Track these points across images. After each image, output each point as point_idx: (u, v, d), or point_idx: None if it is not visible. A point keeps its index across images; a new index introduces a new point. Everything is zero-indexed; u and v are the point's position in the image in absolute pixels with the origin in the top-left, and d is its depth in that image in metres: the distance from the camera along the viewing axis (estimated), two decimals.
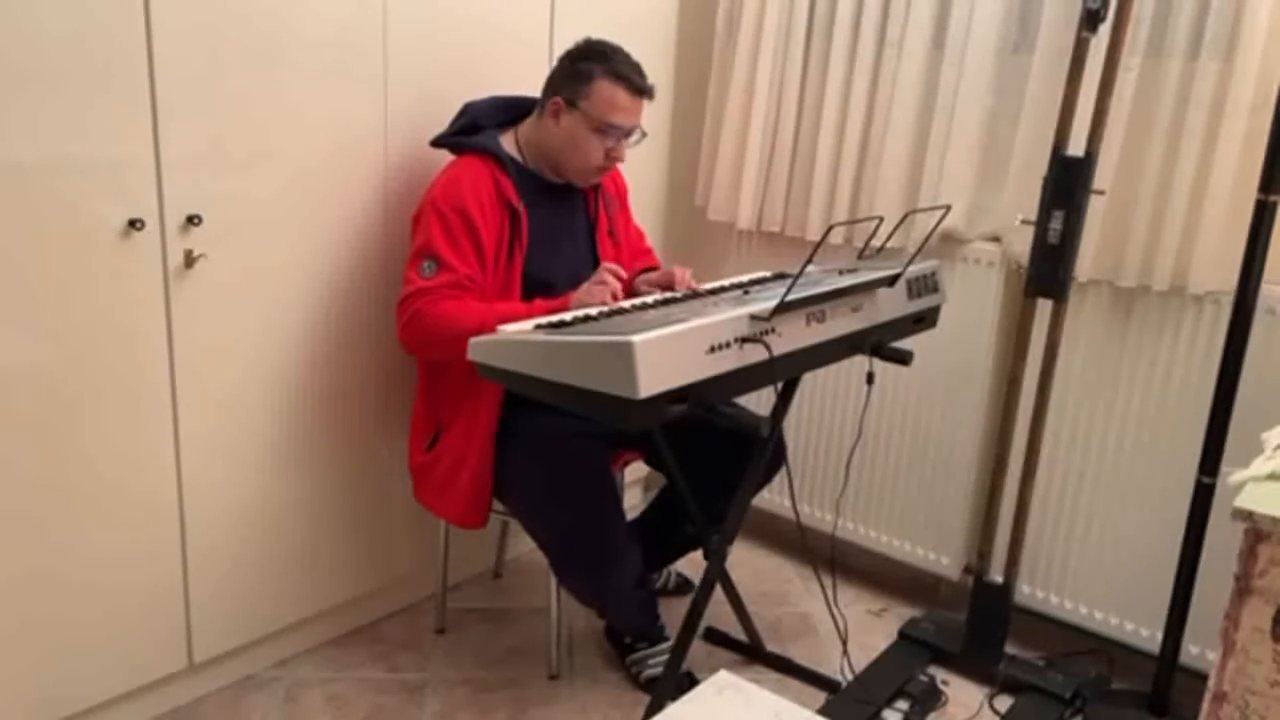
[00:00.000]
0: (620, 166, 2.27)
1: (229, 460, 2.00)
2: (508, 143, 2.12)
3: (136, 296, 1.79)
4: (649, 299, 1.97)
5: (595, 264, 2.20)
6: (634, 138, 2.11)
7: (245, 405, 2.00)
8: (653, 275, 2.20)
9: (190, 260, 1.84)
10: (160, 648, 1.98)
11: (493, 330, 1.75)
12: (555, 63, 2.11)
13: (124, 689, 1.94)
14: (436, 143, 2.11)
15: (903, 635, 2.40)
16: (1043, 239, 2.04)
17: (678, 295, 2.02)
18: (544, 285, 2.06)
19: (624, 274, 1.97)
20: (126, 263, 1.76)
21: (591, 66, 2.04)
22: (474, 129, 2.11)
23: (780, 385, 2.08)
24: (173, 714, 2.04)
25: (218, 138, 1.84)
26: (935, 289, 2.10)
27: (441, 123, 2.13)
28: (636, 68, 2.06)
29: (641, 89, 2.05)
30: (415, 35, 2.12)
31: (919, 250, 1.98)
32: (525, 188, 2.08)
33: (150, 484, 1.89)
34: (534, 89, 2.14)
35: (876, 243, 2.16)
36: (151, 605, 1.94)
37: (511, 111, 2.16)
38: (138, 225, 1.75)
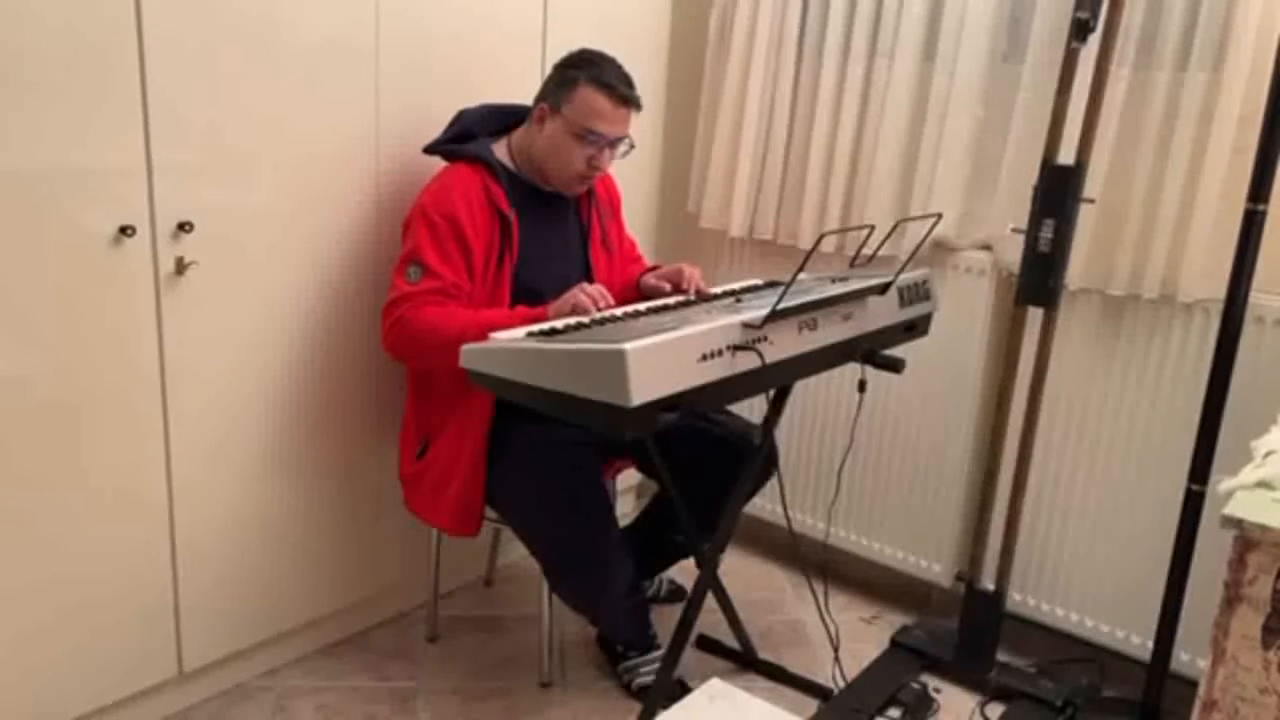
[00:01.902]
0: (613, 174, 2.27)
1: (220, 467, 2.00)
2: (500, 151, 2.12)
3: (127, 303, 1.79)
4: (640, 306, 1.98)
5: (587, 272, 2.21)
6: (621, 149, 2.11)
7: (236, 412, 2.00)
8: (661, 270, 2.21)
9: (181, 267, 1.84)
10: (150, 656, 1.97)
11: (476, 337, 1.74)
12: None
13: (114, 698, 1.93)
14: (429, 150, 2.11)
15: (894, 643, 2.40)
16: (1033, 247, 2.05)
17: (670, 303, 2.03)
18: (534, 294, 2.05)
19: (609, 298, 1.95)
20: (118, 270, 1.76)
21: (577, 73, 2.04)
22: (467, 136, 2.11)
23: (772, 393, 2.09)
24: None
25: (209, 145, 1.84)
26: (927, 297, 2.11)
27: (433, 130, 2.13)
28: (624, 78, 2.06)
29: (626, 98, 2.05)
30: (407, 44, 2.12)
31: (910, 258, 1.98)
32: (516, 196, 2.08)
33: (141, 491, 1.88)
34: (526, 97, 2.14)
35: (868, 251, 2.17)
36: (142, 613, 1.93)
37: (505, 120, 2.16)
38: (129, 232, 1.75)
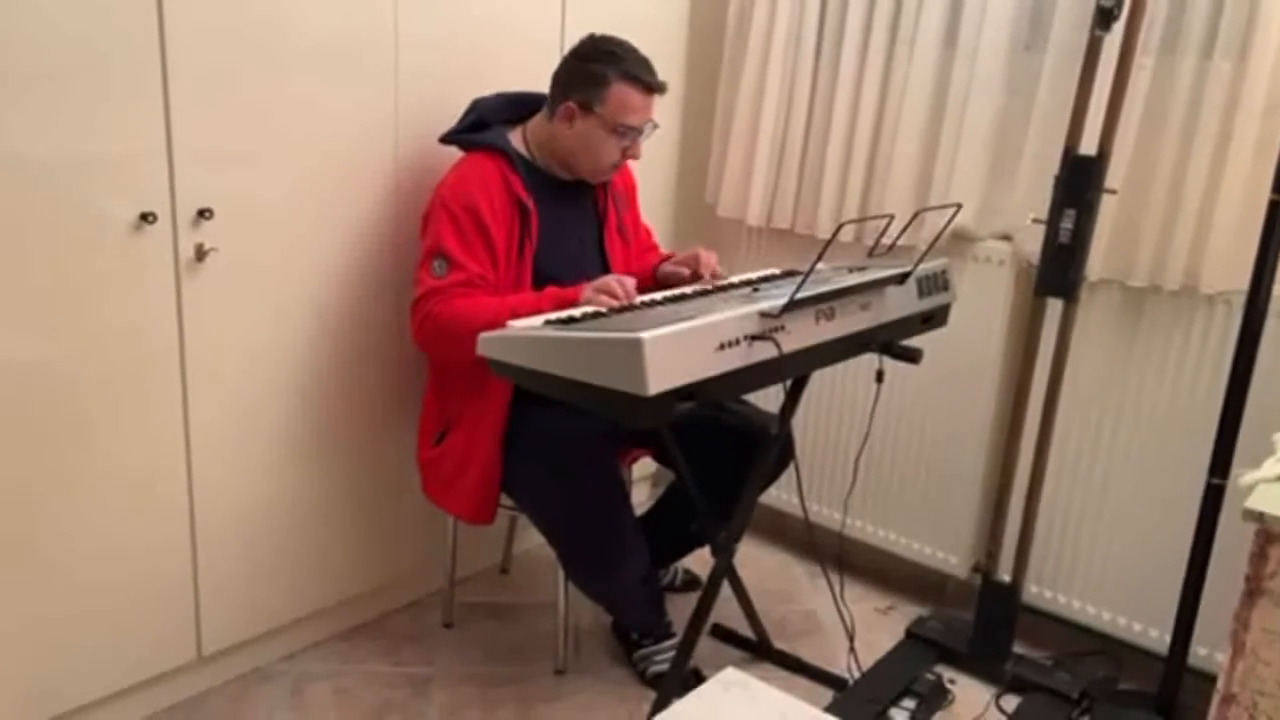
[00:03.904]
0: (628, 164, 2.27)
1: (238, 453, 2.01)
2: (516, 139, 2.12)
3: (148, 290, 1.80)
4: (657, 295, 1.97)
5: (603, 261, 2.21)
6: (647, 130, 2.11)
7: (255, 398, 2.01)
8: (677, 256, 2.21)
9: (201, 254, 1.84)
10: (170, 640, 1.99)
11: (506, 323, 1.75)
12: (563, 61, 2.10)
13: (133, 680, 1.95)
14: (445, 139, 2.11)
15: (910, 634, 2.39)
16: (1054, 238, 2.04)
17: (687, 292, 2.02)
18: (553, 282, 2.05)
19: (633, 290, 1.95)
20: (138, 256, 1.77)
21: (605, 70, 2.02)
22: (482, 126, 2.11)
23: (789, 383, 2.09)
24: (180, 706, 2.05)
25: (229, 132, 1.84)
26: (945, 287, 2.10)
27: (452, 119, 2.13)
28: (647, 64, 2.05)
29: (654, 86, 2.05)
30: (426, 32, 2.12)
31: (929, 248, 1.97)
32: (534, 184, 2.08)
33: (161, 477, 1.90)
34: (545, 85, 2.13)
35: (887, 241, 2.15)
36: (162, 597, 1.95)
37: (520, 108, 2.16)
38: (149, 219, 1.76)
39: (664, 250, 2.46)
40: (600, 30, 2.11)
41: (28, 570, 1.75)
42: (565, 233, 2.14)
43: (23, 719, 1.80)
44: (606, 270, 2.14)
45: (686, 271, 2.16)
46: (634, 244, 2.31)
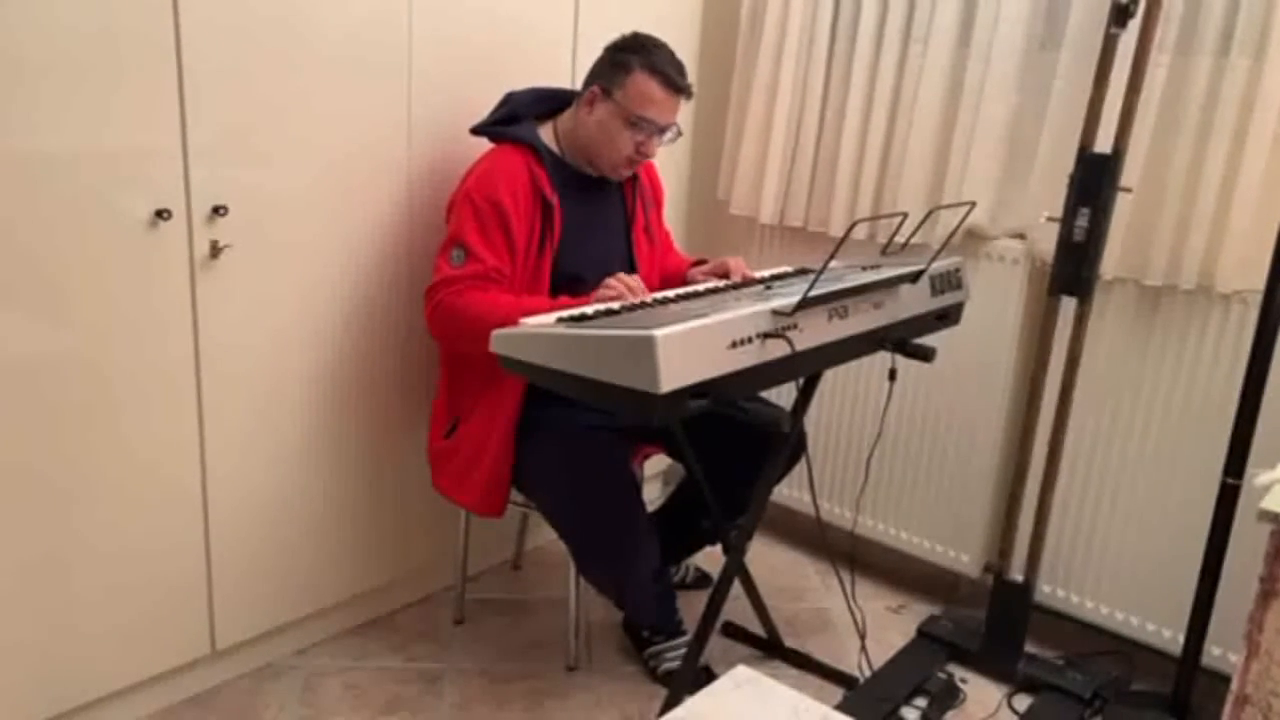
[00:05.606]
0: (655, 165, 2.27)
1: (251, 449, 2.02)
2: (546, 134, 2.12)
3: (162, 286, 1.81)
4: (670, 293, 1.97)
5: (630, 260, 2.21)
6: (668, 135, 2.10)
7: (268, 395, 2.02)
8: (706, 266, 2.21)
9: (216, 251, 1.85)
10: (184, 634, 2.00)
11: (516, 323, 1.75)
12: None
13: (147, 674, 1.96)
14: (476, 130, 2.11)
15: (921, 633, 2.39)
16: (1068, 236, 2.03)
17: (699, 290, 2.02)
18: (574, 279, 2.06)
19: (643, 289, 1.96)
20: (153, 252, 1.78)
21: (631, 58, 2.03)
22: (513, 119, 2.11)
23: (802, 381, 2.09)
24: (193, 700, 2.06)
25: (244, 129, 1.85)
26: (959, 286, 2.09)
27: (464, 116, 2.13)
28: (677, 65, 2.05)
29: (679, 87, 2.04)
30: (440, 30, 2.12)
31: (943, 247, 1.97)
32: (560, 180, 2.08)
33: (175, 472, 1.91)
34: (557, 84, 2.14)
35: (900, 239, 2.15)
36: (176, 592, 1.96)
37: (552, 103, 2.16)
38: (164, 215, 1.77)
39: (680, 250, 2.45)
40: (613, 29, 2.11)
41: (42, 563, 1.76)
42: (590, 230, 2.13)
43: (37, 712, 1.81)
44: (632, 269, 2.14)
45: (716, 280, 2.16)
46: (658, 245, 2.31)
